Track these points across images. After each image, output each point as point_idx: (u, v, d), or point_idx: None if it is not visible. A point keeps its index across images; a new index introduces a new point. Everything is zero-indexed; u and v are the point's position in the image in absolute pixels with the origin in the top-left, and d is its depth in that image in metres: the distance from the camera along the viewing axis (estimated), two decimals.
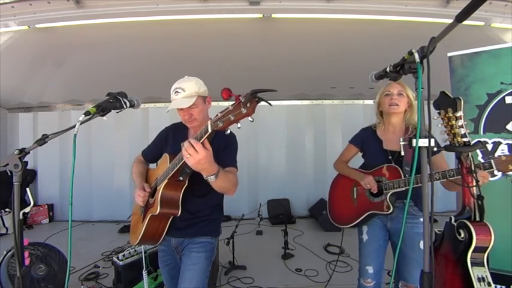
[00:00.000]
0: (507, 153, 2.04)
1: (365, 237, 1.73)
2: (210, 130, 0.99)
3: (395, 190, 1.58)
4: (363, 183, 1.68)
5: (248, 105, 0.89)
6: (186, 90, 1.36)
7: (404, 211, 1.23)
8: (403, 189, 1.55)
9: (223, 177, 1.18)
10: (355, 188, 1.81)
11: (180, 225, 1.41)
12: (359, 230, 1.77)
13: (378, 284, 1.69)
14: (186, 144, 1.04)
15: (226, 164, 1.35)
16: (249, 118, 0.91)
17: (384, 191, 1.62)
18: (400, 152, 1.63)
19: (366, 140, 1.83)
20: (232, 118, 0.91)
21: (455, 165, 1.26)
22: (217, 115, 0.96)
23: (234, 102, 0.92)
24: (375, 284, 1.68)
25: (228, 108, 0.93)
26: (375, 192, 1.66)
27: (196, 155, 1.03)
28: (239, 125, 0.93)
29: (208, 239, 1.46)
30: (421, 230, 1.50)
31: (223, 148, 1.39)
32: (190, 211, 1.40)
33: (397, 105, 1.64)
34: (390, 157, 1.67)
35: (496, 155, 2.06)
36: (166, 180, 1.30)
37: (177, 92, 1.37)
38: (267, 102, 0.92)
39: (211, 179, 1.13)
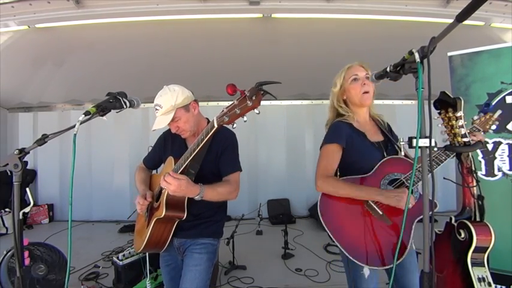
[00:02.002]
0: (507, 153, 2.04)
1: (366, 272, 1.23)
2: (216, 125, 0.99)
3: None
4: (402, 204, 1.13)
5: (253, 98, 0.89)
6: (163, 106, 1.33)
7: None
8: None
9: (210, 194, 1.25)
10: (371, 204, 1.25)
11: (183, 226, 1.40)
12: (355, 263, 1.22)
13: None
14: (161, 179, 1.18)
15: (225, 172, 1.37)
16: (255, 110, 0.92)
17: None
18: (384, 141, 1.41)
19: (350, 135, 1.36)
20: (238, 112, 0.92)
21: (456, 165, 1.26)
22: (222, 110, 0.96)
23: (239, 97, 0.93)
24: None
25: (233, 102, 0.94)
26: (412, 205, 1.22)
27: (169, 186, 1.15)
28: (245, 118, 0.94)
29: (211, 241, 1.46)
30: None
31: (222, 152, 1.39)
32: (193, 213, 1.39)
33: (368, 92, 1.36)
34: (383, 150, 1.38)
35: (497, 154, 2.07)
36: None
37: (156, 109, 1.36)
38: (271, 95, 0.93)
39: (197, 199, 1.22)
